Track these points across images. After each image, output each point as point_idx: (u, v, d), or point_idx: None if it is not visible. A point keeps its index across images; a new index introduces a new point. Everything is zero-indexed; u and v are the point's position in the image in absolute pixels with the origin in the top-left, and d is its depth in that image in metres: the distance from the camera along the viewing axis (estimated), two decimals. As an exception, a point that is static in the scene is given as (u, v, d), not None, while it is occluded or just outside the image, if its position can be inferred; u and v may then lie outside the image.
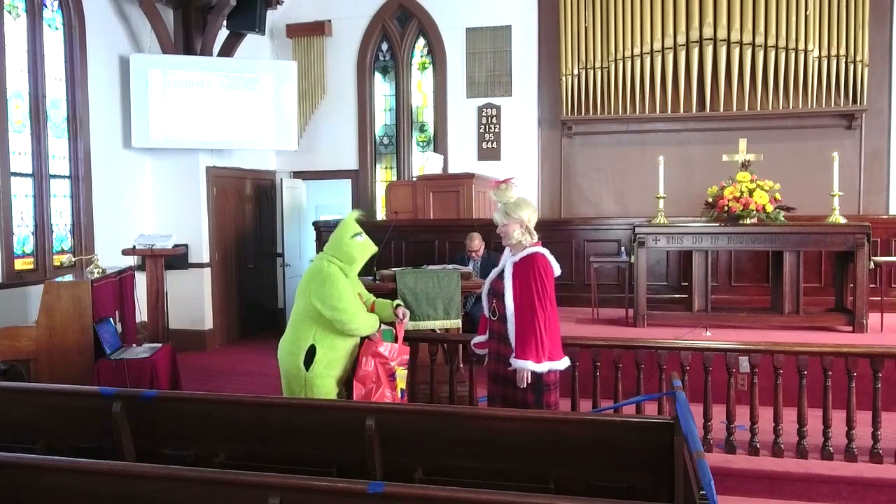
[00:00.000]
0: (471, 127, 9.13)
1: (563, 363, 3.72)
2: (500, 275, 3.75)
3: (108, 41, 7.65)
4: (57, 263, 6.95)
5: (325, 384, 3.85)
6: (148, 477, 2.42)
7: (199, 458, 3.06)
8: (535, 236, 3.75)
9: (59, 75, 7.09)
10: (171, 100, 7.88)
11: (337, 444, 2.99)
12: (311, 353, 3.84)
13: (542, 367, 3.57)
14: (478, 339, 4.00)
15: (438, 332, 5.13)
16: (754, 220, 6.19)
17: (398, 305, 4.21)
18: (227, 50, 8.43)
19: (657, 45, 8.46)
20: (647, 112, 8.61)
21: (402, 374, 4.04)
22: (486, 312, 3.89)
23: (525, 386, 3.59)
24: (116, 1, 7.76)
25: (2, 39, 6.35)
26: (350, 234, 3.93)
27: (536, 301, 3.56)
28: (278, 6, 8.91)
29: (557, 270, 3.71)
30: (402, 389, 4.03)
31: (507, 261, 3.73)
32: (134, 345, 5.73)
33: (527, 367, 3.55)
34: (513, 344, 3.62)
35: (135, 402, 3.17)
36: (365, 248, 3.94)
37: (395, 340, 4.07)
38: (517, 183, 3.81)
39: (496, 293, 3.76)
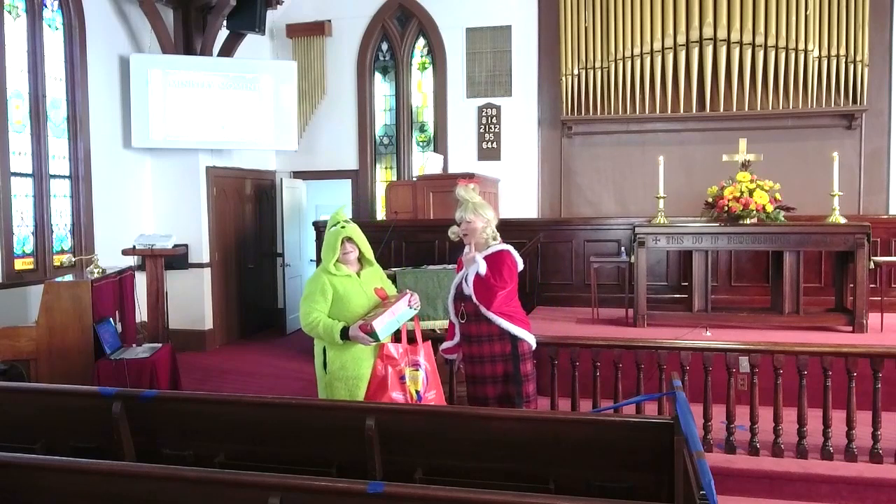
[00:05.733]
0: (471, 127, 9.12)
1: (532, 338, 3.88)
2: (465, 278, 3.84)
3: (108, 41, 7.65)
4: (57, 263, 6.94)
5: (342, 386, 3.83)
6: (148, 477, 2.42)
7: (199, 458, 3.05)
8: (499, 237, 3.93)
9: (59, 75, 7.09)
10: (171, 100, 7.87)
11: (337, 444, 2.98)
12: (326, 356, 3.88)
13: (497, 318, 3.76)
14: (447, 344, 4.10)
15: (438, 332, 5.13)
16: (754, 220, 6.19)
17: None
18: (227, 50, 8.43)
19: (657, 45, 8.45)
20: (647, 112, 8.60)
21: (412, 376, 3.96)
22: (452, 318, 3.99)
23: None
24: (116, 1, 7.76)
25: (2, 39, 6.35)
26: (328, 228, 4.02)
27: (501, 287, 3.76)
28: (278, 6, 8.90)
29: (520, 265, 3.89)
30: (417, 391, 3.97)
31: (477, 259, 3.81)
32: (134, 345, 5.73)
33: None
34: (487, 336, 3.80)
35: (135, 402, 3.16)
36: (330, 235, 3.97)
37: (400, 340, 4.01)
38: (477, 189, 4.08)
39: (463, 296, 3.85)
